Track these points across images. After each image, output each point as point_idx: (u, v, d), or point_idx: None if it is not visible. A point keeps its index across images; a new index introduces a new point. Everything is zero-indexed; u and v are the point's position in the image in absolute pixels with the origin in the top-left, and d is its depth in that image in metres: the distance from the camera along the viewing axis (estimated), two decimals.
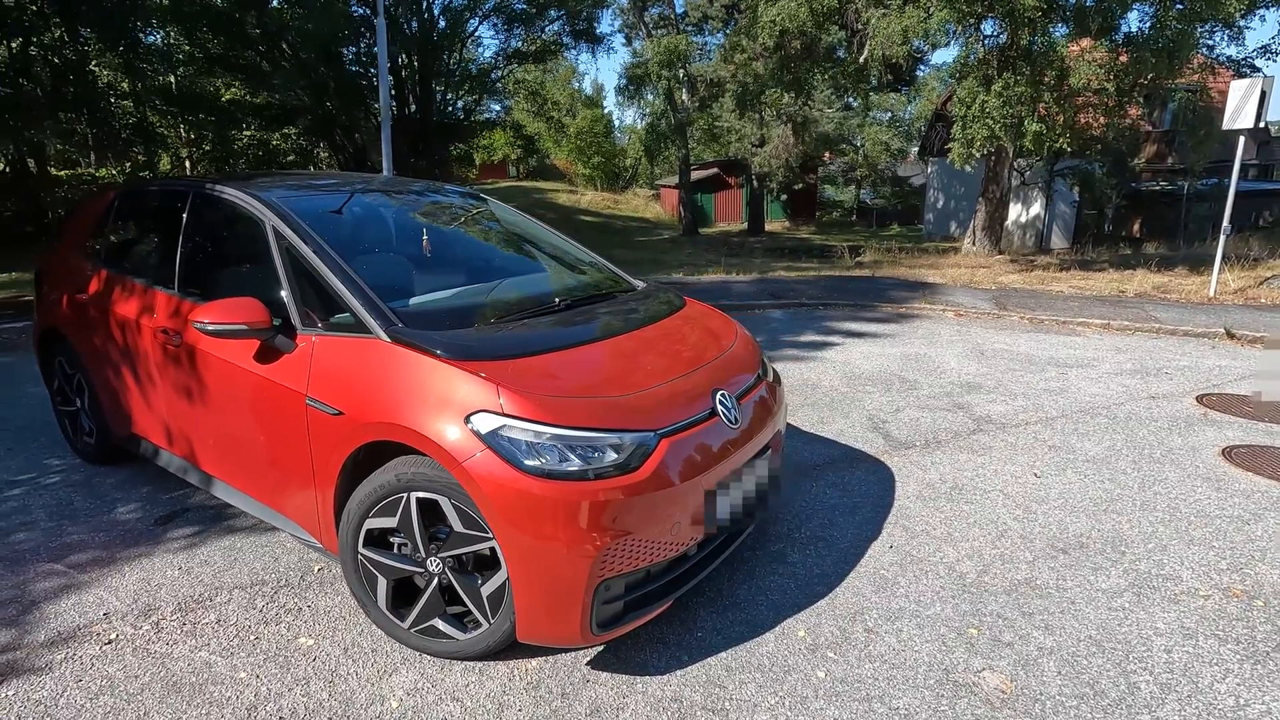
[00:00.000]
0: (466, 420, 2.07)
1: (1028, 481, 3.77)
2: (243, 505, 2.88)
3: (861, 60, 12.93)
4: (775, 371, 3.16)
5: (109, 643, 2.40)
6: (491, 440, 2.04)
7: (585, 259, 3.52)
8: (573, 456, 2.07)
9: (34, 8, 11.98)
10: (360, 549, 2.30)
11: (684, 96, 23.89)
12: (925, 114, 34.41)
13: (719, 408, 2.45)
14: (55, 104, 12.24)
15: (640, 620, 2.22)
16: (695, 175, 31.78)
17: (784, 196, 33.91)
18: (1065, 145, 11.83)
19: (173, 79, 17.09)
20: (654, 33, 23.35)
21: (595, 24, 18.75)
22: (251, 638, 2.43)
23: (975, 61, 11.59)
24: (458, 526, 2.15)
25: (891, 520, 3.33)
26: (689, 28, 25.82)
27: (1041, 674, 2.28)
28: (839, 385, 5.46)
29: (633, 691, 2.19)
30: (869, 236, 27.61)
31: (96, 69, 14.38)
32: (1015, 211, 23.88)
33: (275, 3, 15.57)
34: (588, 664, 2.31)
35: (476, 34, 18.25)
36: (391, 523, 2.23)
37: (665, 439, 2.22)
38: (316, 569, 2.85)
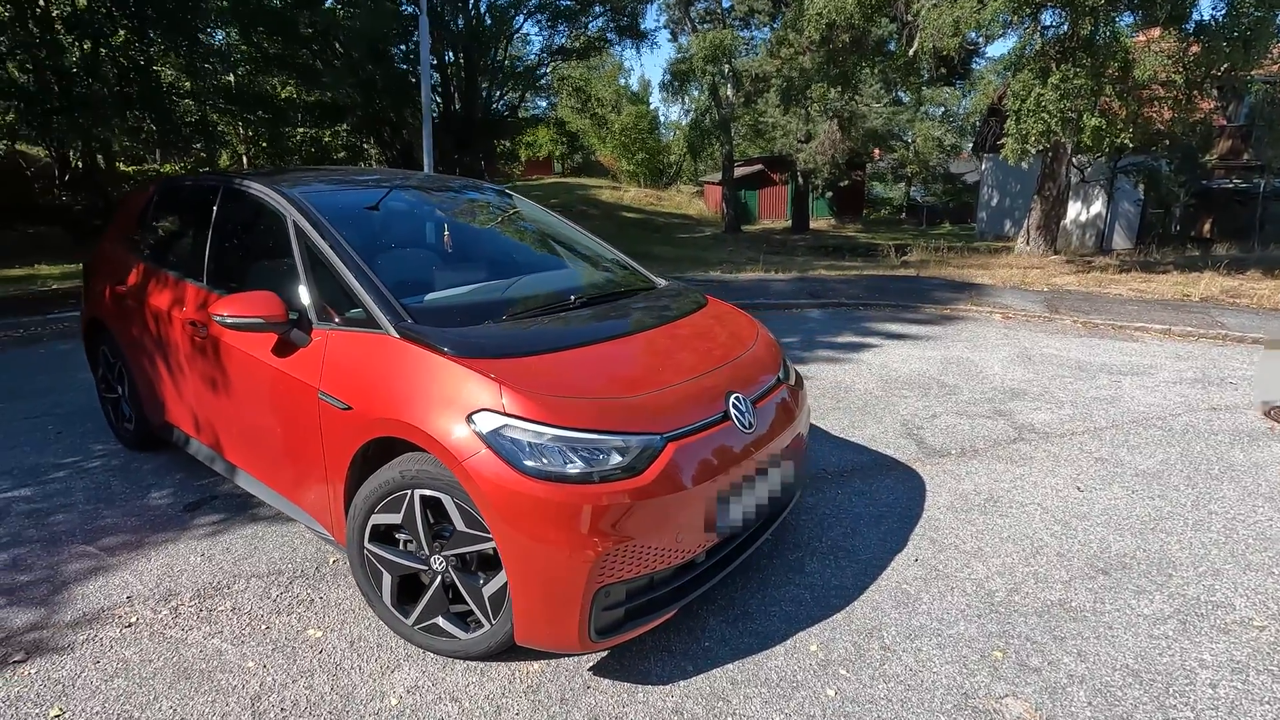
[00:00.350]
0: (468, 419, 2.04)
1: (1069, 495, 3.57)
2: (262, 495, 2.93)
3: (911, 53, 12.53)
4: (798, 374, 3.06)
5: (128, 626, 2.47)
6: (492, 440, 2.00)
7: (608, 257, 3.47)
8: (576, 458, 2.02)
9: (103, 11, 12.56)
10: (366, 544, 2.30)
11: (729, 92, 23.60)
12: (980, 109, 33.22)
13: (732, 411, 2.38)
14: (122, 103, 12.82)
15: (642, 628, 2.16)
16: (739, 171, 31.42)
17: (829, 194, 33.25)
18: (1128, 141, 11.24)
19: (232, 78, 17.72)
20: (699, 28, 23.12)
21: (639, 19, 18.67)
22: (263, 627, 2.47)
23: (1032, 53, 11.08)
24: (460, 525, 2.13)
25: (919, 532, 3.19)
26: (735, 22, 25.49)
27: (1070, 703, 2.14)
28: (873, 389, 5.29)
29: (633, 700, 2.13)
30: (918, 235, 26.86)
31: (160, 69, 15.01)
32: (1074, 210, 22.90)
33: (329, 2, 15.99)
34: (589, 670, 2.26)
35: (522, 30, 18.40)
36: (396, 519, 2.23)
37: (672, 442, 2.15)
38: (332, 560, 2.87)
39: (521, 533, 1.97)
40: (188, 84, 15.18)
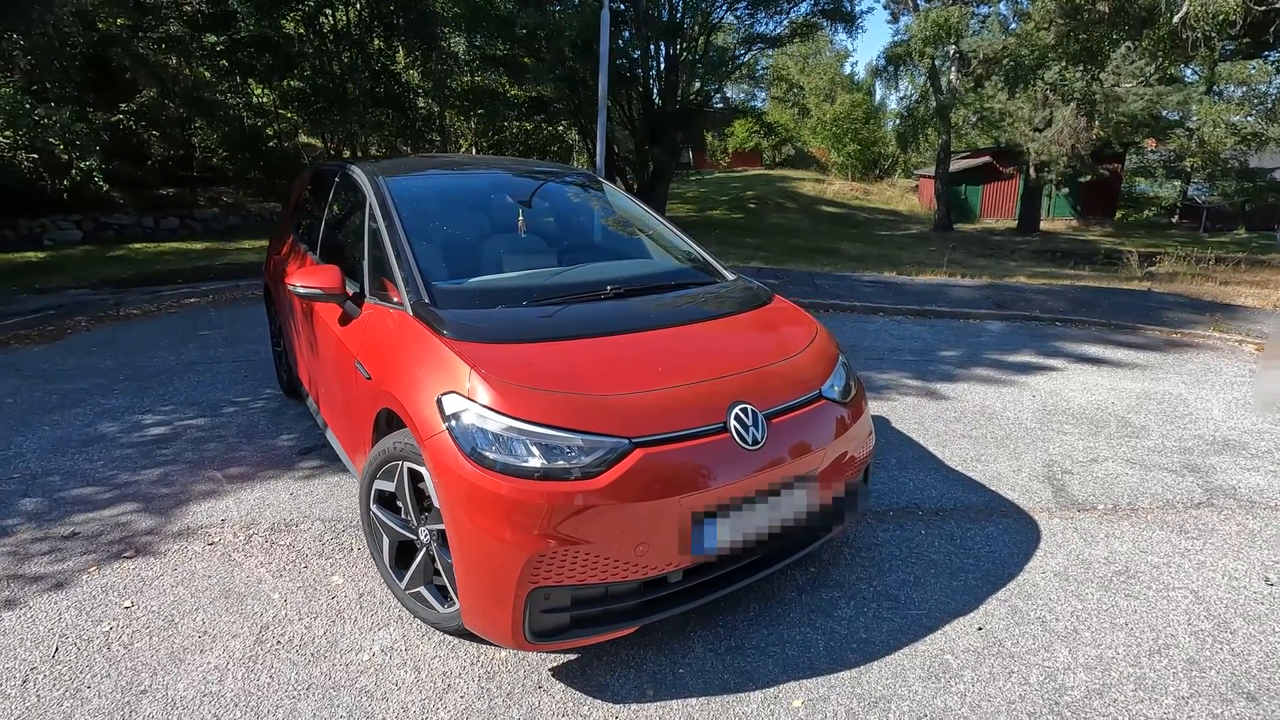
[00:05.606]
0: (438, 400, 2.07)
1: (1247, 587, 2.73)
2: (337, 450, 3.25)
3: (1176, 20, 10.26)
4: (858, 389, 2.67)
5: (211, 544, 2.89)
6: (452, 423, 2.01)
7: (680, 248, 3.32)
8: (534, 452, 1.96)
9: (366, 23, 14.79)
10: (371, 506, 2.45)
11: (952, 76, 21.26)
12: None
13: (732, 423, 2.14)
14: (371, 101, 15.02)
15: (591, 639, 2.05)
16: (962, 164, 28.38)
17: (1065, 190, 28.66)
18: None
19: (467, 78, 19.86)
20: (923, 6, 21.08)
21: (849, 1, 17.49)
22: (302, 565, 2.75)
23: None
24: (436, 502, 2.18)
25: (1001, 595, 2.64)
26: None
27: None
28: (1026, 419, 4.48)
29: (576, 713, 2.03)
30: (1188, 242, 22.16)
31: (408, 72, 17.30)
32: None
33: (557, 8, 17.21)
34: (549, 670, 2.20)
35: (722, 21, 18.20)
36: (391, 487, 2.34)
37: (642, 448, 1.99)
38: None
39: (464, 517, 1.96)
40: (428, 84, 17.31)
